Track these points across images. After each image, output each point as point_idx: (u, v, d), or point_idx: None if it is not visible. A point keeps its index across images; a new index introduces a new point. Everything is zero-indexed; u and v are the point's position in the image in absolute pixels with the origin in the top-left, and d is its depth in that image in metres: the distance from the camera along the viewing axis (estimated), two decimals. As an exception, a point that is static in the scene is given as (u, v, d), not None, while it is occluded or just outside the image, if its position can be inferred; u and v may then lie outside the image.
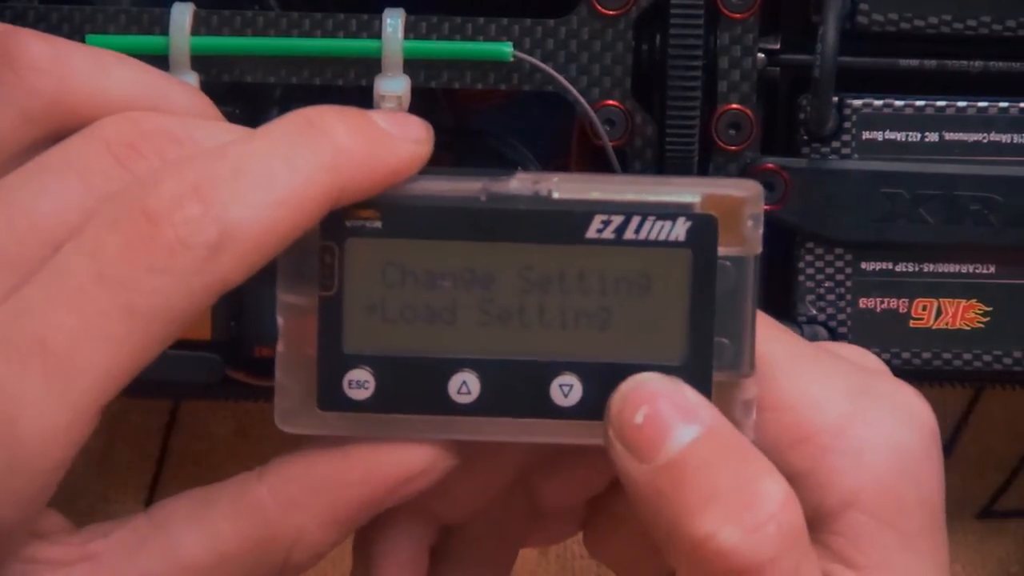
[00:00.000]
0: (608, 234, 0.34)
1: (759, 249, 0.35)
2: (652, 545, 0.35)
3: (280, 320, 0.35)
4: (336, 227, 0.34)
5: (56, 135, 0.34)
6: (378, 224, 0.35)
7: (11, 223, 0.32)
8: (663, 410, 0.34)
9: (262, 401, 0.53)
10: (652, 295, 0.35)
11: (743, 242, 0.35)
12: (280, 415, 0.35)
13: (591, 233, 0.35)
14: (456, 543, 0.40)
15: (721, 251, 0.35)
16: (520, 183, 0.35)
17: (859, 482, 0.36)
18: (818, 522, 0.36)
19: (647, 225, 0.34)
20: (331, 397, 0.35)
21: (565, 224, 0.35)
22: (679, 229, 0.34)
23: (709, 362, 0.35)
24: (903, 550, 0.36)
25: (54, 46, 0.35)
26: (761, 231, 0.35)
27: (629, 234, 0.35)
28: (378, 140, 0.34)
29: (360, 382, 0.35)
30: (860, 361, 0.38)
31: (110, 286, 0.31)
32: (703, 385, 0.35)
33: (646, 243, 0.35)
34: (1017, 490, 0.59)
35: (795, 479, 0.35)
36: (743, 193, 0.35)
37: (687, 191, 0.35)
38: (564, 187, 0.35)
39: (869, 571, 0.35)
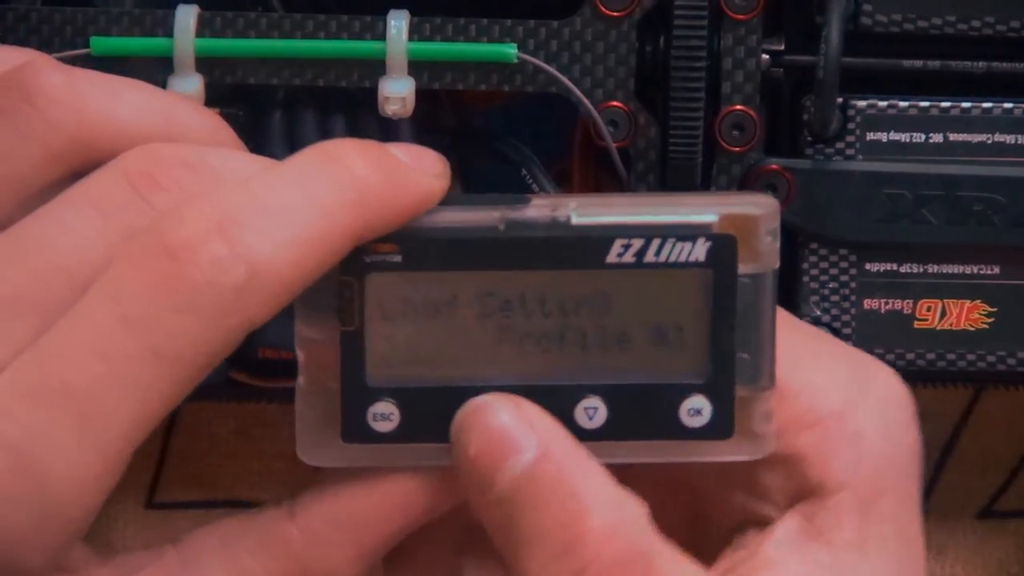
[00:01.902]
0: (629, 258, 0.34)
1: (777, 264, 0.35)
2: None
3: (300, 354, 0.35)
4: (355, 262, 0.34)
5: (77, 171, 0.34)
6: (398, 258, 0.34)
7: (32, 264, 0.32)
8: (493, 441, 0.34)
9: (264, 402, 0.53)
10: (674, 315, 0.35)
11: (760, 258, 0.35)
12: (303, 448, 0.35)
13: (612, 258, 0.34)
14: (480, 539, 0.40)
15: (739, 268, 0.35)
16: (537, 210, 0.35)
17: (856, 464, 0.36)
18: (813, 496, 0.36)
19: (667, 247, 0.34)
20: (356, 430, 0.35)
21: (585, 250, 0.34)
22: (699, 250, 0.34)
23: (732, 379, 0.35)
24: (879, 527, 0.36)
25: (68, 76, 0.34)
26: (778, 245, 0.35)
27: (650, 257, 0.34)
28: (398, 174, 0.34)
29: (385, 414, 0.35)
30: None
31: (135, 329, 0.31)
32: (726, 402, 0.35)
33: (667, 265, 0.34)
34: (1017, 490, 0.58)
35: (800, 460, 0.36)
36: (760, 211, 0.35)
37: (705, 211, 0.35)
38: (582, 212, 0.35)
39: (843, 548, 0.36)
